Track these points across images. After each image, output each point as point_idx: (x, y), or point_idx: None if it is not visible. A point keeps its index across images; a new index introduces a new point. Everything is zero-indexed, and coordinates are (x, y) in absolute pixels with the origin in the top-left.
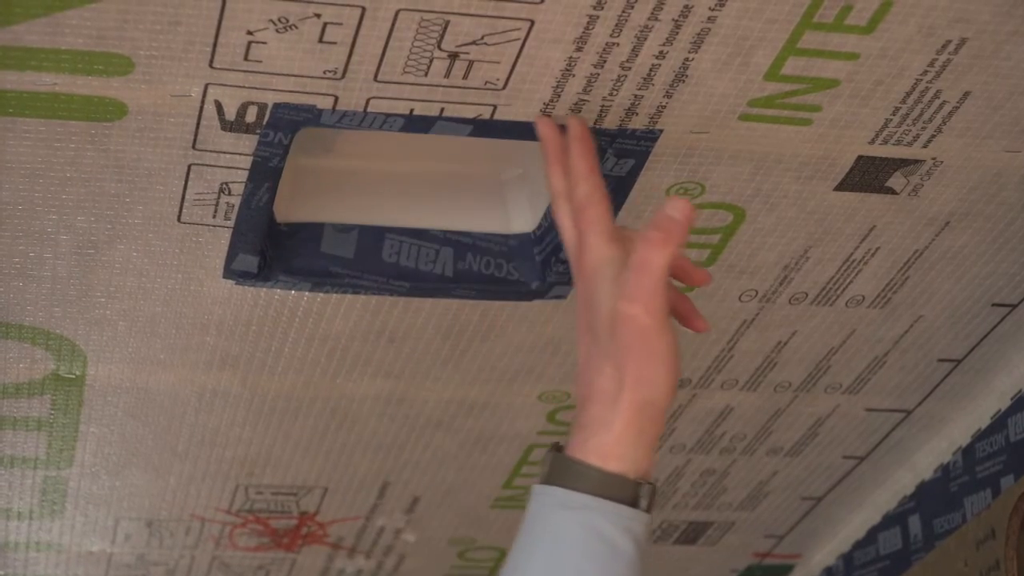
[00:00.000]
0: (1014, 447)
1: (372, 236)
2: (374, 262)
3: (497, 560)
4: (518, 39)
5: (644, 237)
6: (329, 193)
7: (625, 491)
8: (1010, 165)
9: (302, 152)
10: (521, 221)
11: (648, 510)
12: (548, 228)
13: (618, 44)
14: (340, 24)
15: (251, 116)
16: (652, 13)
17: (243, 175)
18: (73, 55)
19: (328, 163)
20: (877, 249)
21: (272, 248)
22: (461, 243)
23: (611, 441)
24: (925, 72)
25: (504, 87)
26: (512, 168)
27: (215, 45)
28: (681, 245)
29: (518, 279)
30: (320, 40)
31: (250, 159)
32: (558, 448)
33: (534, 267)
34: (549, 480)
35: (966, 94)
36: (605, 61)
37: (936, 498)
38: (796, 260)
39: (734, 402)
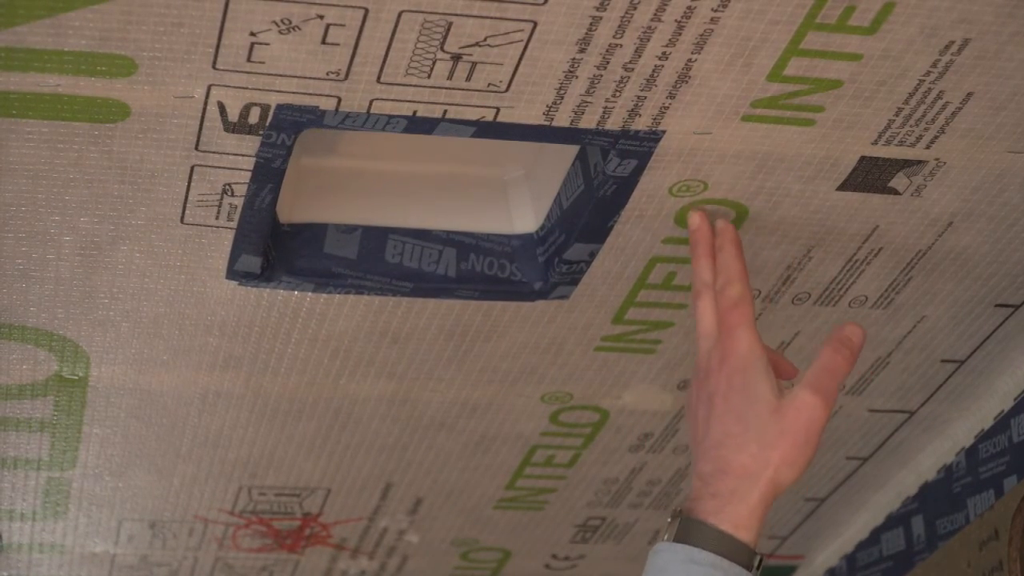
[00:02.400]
0: (1017, 448)
1: (375, 237)
2: (377, 263)
3: (500, 561)
4: (521, 41)
5: (834, 347)
6: (332, 194)
7: (746, 557)
8: (1013, 166)
9: (305, 153)
10: (524, 222)
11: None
12: (551, 229)
13: (621, 45)
14: (343, 26)
15: (254, 117)
16: (655, 14)
17: (246, 176)
18: (76, 56)
19: (331, 164)
20: (880, 249)
21: (275, 249)
22: (464, 244)
23: (746, 513)
24: (928, 73)
25: (507, 89)
26: (515, 169)
27: (218, 46)
28: (857, 357)
29: (521, 280)
30: (323, 41)
31: (253, 160)
32: (682, 512)
33: (537, 267)
34: (678, 539)
35: (969, 95)
36: (608, 62)
37: (939, 499)
38: (799, 260)
39: None
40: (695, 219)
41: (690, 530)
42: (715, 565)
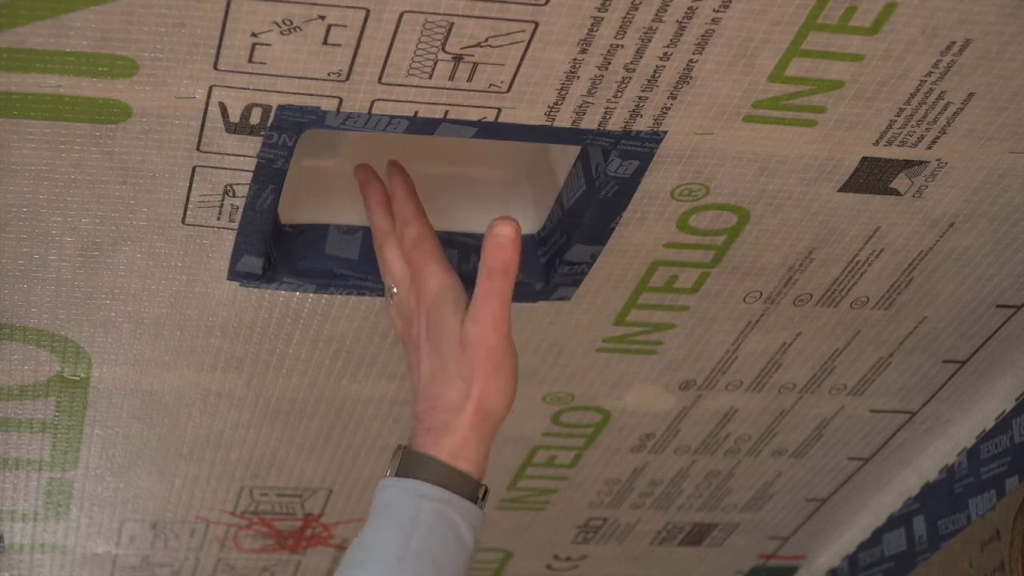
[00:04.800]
0: (1019, 448)
1: None
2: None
3: (501, 562)
4: (522, 41)
5: (486, 271)
6: (334, 194)
7: (469, 489)
8: (1015, 166)
9: (307, 153)
10: (525, 222)
11: (482, 508)
12: (552, 230)
13: (622, 46)
14: (344, 26)
15: (255, 118)
16: (656, 15)
17: (247, 177)
18: (77, 57)
19: (333, 164)
20: (881, 250)
21: (277, 249)
22: (465, 244)
23: (460, 443)
24: (929, 73)
25: (509, 89)
26: (516, 170)
27: (219, 47)
28: (517, 265)
29: (522, 280)
30: (324, 42)
31: (254, 161)
32: (403, 449)
33: (538, 268)
34: (402, 473)
35: (970, 95)
36: (609, 63)
37: (941, 499)
38: (800, 261)
39: (739, 403)
40: (360, 174)
41: (412, 463)
42: (444, 500)
